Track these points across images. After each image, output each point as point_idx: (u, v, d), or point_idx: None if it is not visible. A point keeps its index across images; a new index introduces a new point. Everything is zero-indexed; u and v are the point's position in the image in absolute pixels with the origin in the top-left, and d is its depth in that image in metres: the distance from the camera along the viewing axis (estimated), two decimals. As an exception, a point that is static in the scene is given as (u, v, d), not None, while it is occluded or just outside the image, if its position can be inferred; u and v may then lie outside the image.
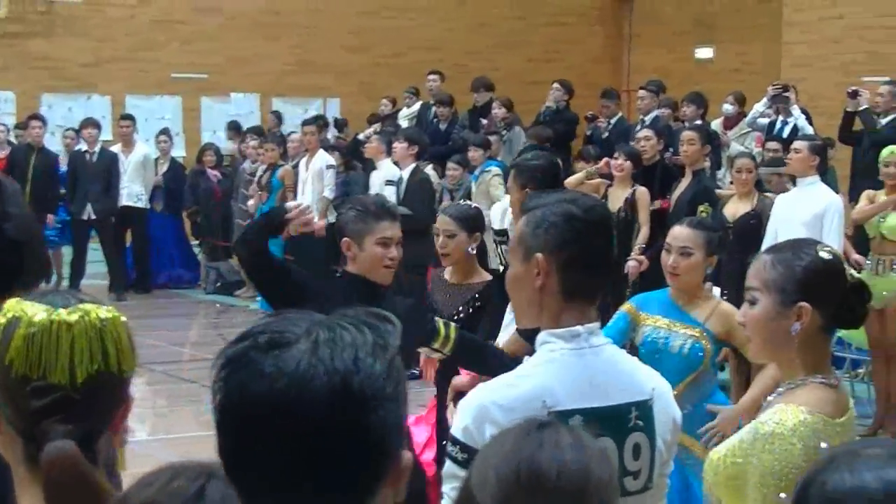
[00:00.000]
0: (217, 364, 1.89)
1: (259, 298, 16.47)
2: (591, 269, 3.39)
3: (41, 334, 2.23)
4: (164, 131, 19.31)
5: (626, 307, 6.77)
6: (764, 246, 10.28)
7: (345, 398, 1.83)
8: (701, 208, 11.47)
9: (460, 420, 3.31)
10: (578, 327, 3.37)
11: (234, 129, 19.94)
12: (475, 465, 2.06)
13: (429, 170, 15.27)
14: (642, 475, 3.40)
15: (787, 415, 3.34)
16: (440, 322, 6.00)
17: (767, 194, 11.70)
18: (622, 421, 3.37)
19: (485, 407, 3.28)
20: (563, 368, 3.34)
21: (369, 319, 1.91)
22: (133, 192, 17.86)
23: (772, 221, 10.98)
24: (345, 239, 5.75)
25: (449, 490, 3.29)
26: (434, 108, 17.89)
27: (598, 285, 3.44)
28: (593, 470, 1.97)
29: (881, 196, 11.15)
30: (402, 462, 1.91)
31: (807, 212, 10.74)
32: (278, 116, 20.24)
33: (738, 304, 3.68)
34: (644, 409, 3.41)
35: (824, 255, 3.46)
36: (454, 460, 3.28)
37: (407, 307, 5.87)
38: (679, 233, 6.67)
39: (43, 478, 2.14)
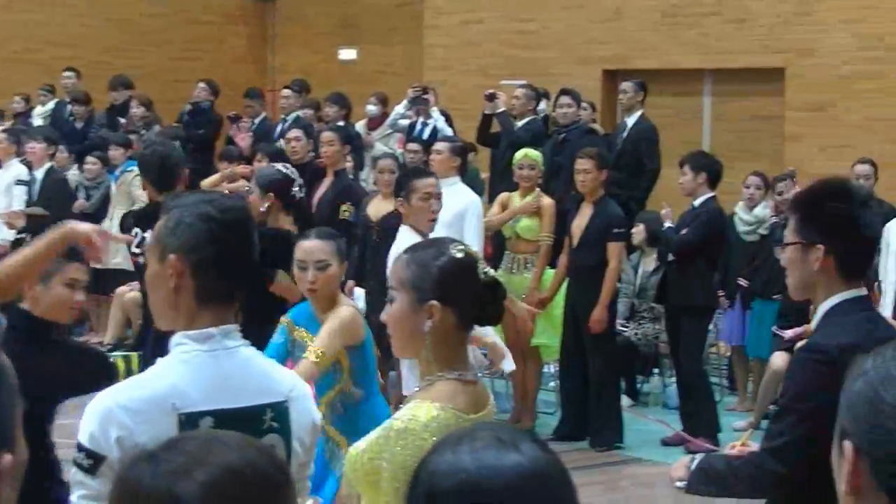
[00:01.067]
0: None
1: None
2: (226, 272, 3.36)
3: None
4: None
5: (284, 319, 6.73)
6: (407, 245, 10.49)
7: None
8: (343, 207, 11.61)
9: (86, 425, 3.23)
10: (212, 329, 3.34)
11: None
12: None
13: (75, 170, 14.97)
14: None
15: (421, 411, 3.40)
16: (118, 357, 5.95)
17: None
18: (256, 422, 3.34)
19: (110, 410, 3.21)
20: (195, 370, 3.31)
21: None
22: None
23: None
24: None
25: (77, 499, 3.22)
26: (70, 107, 17.50)
27: (235, 288, 3.41)
28: (260, 473, 2.00)
29: (515, 198, 11.53)
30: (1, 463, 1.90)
31: (448, 212, 10.99)
32: None
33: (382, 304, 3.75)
34: (279, 410, 3.41)
35: (457, 254, 3.52)
36: (80, 467, 3.21)
37: (74, 349, 5.78)
38: (311, 247, 6.50)
39: None
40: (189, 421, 3.23)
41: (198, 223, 3.34)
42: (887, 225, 9.53)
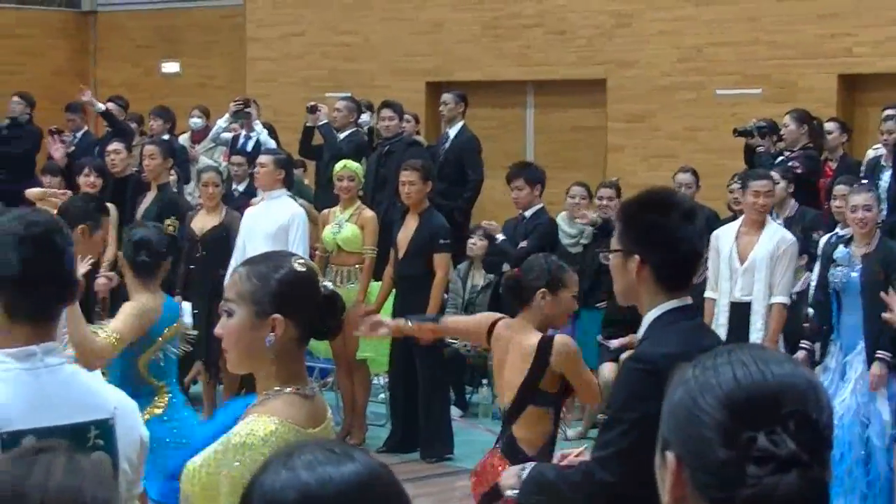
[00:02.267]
0: None
1: None
2: (31, 288, 3.31)
3: None
4: None
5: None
6: (234, 258, 10.48)
7: None
8: (168, 222, 11.51)
9: None
10: (34, 346, 3.30)
11: None
12: None
13: None
14: None
15: (259, 425, 3.38)
16: None
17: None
18: (81, 440, 3.30)
19: None
20: (15, 388, 3.27)
21: None
22: None
23: (240, 234, 11.18)
24: None
25: None
26: None
27: (47, 303, 3.35)
28: (86, 491, 1.98)
29: (336, 212, 11.50)
30: None
31: (273, 224, 10.99)
32: None
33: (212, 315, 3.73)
34: (104, 428, 3.38)
35: (299, 267, 3.51)
36: None
37: None
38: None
39: None
40: (11, 440, 3.18)
41: (3, 239, 3.31)
42: (714, 233, 9.73)
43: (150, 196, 11.89)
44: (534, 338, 6.39)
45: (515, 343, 6.46)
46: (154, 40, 23.00)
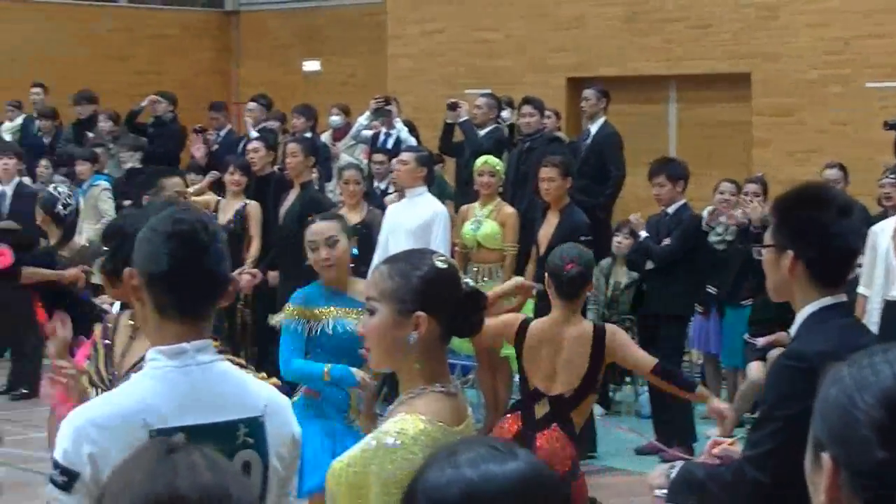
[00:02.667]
0: None
1: None
2: (179, 285, 3.32)
3: None
4: None
5: (290, 309, 7.00)
6: (376, 255, 10.48)
7: None
8: (310, 218, 11.57)
9: (60, 442, 3.23)
10: (185, 344, 3.31)
11: None
12: (105, 500, 1.97)
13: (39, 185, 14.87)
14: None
15: (408, 424, 3.35)
16: None
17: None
18: (230, 438, 3.31)
19: (81, 427, 3.21)
20: (166, 385, 3.29)
21: None
22: None
23: (382, 231, 11.19)
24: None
25: None
26: (37, 122, 17.44)
27: (196, 301, 3.35)
28: (233, 490, 1.96)
29: (475, 208, 11.45)
30: None
31: (414, 222, 10.98)
32: None
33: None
34: (254, 425, 3.37)
35: (440, 264, 3.48)
36: (55, 484, 3.21)
37: None
38: (319, 227, 7.08)
39: None
40: (161, 437, 3.17)
41: (151, 237, 3.33)
42: (872, 228, 9.40)
43: (292, 194, 11.96)
44: (587, 326, 7.13)
45: (569, 335, 6.99)
46: (295, 39, 23.24)
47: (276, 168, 12.83)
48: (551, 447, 6.84)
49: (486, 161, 11.59)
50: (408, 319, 3.42)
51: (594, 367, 6.97)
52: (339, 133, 16.38)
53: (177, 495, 1.90)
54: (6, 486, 8.57)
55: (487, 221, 11.33)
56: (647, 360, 7.07)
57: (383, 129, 15.11)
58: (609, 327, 7.24)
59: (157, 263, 3.30)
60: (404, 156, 11.57)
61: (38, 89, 18.10)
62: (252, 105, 16.34)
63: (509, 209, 11.51)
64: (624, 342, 7.11)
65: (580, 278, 6.99)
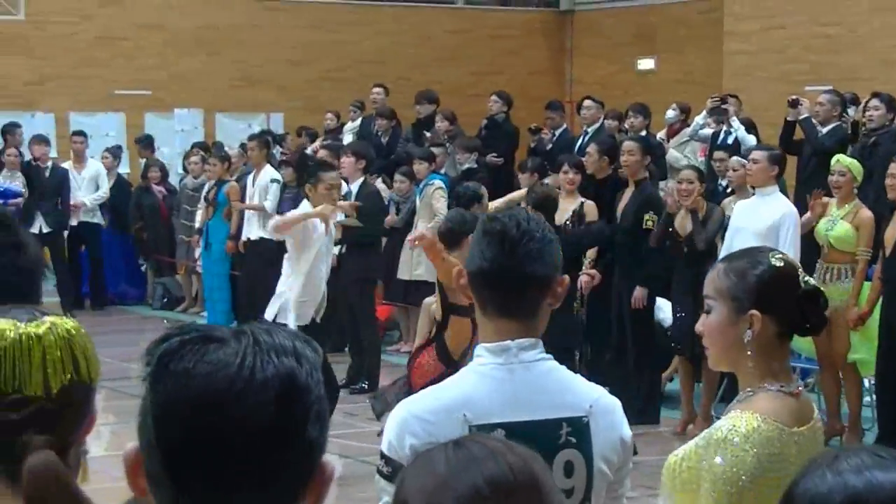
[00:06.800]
0: (149, 358, 1.87)
1: (206, 313, 16.45)
2: (492, 283, 3.35)
3: (11, 349, 2.23)
4: (114, 148, 19.21)
5: None
6: (721, 254, 10.30)
7: (290, 396, 1.84)
8: (646, 217, 11.53)
9: (386, 434, 3.32)
10: (509, 342, 3.34)
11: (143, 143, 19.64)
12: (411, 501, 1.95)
13: (379, 183, 15.28)
14: (576, 494, 3.33)
15: (741, 421, 3.33)
16: None
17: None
18: (551, 436, 3.31)
19: (405, 420, 3.30)
20: (488, 381, 3.33)
21: (299, 336, 1.93)
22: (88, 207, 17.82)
23: (728, 231, 10.99)
24: None
25: None
26: (376, 122, 17.88)
27: (511, 299, 3.36)
28: (535, 464, 1.97)
29: (832, 207, 11.12)
30: (327, 472, 1.92)
31: (762, 223, 10.72)
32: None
33: (692, 314, 3.67)
34: (577, 425, 3.36)
35: (777, 262, 3.44)
36: (381, 474, 3.30)
37: None
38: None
39: (25, 490, 2.14)
40: (480, 432, 3.20)
41: (475, 236, 3.41)
42: None
43: (627, 193, 11.93)
44: None
45: None
46: (630, 37, 23.21)
47: (612, 168, 12.84)
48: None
49: (838, 160, 11.27)
50: (743, 318, 3.40)
51: None
52: (673, 130, 16.29)
53: (494, 476, 1.89)
54: (347, 479, 8.86)
55: (842, 223, 10.97)
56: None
57: (724, 128, 14.94)
58: None
59: (473, 262, 3.38)
60: (755, 154, 11.32)
61: (379, 90, 18.59)
62: (588, 103, 16.40)
63: (866, 213, 11.05)
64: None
65: None
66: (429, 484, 1.89)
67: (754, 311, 3.38)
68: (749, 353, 3.40)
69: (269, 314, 10.10)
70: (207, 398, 1.82)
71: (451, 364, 7.99)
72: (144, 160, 19.13)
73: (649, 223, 11.50)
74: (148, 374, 1.87)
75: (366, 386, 12.72)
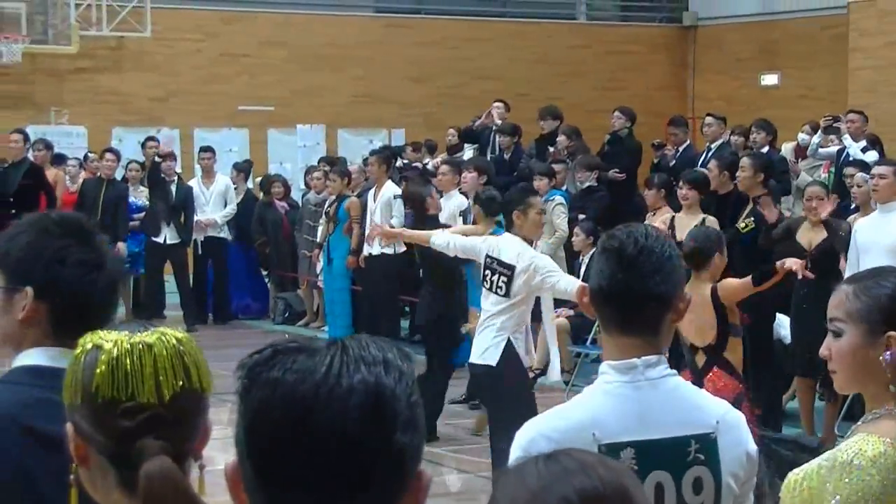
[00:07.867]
0: (242, 370, 1.92)
1: (327, 328, 16.55)
2: (610, 300, 3.36)
3: (124, 357, 2.28)
4: (242, 164, 19.44)
5: None
6: (847, 273, 10.06)
7: (376, 403, 1.87)
8: (745, 222, 11.48)
9: (513, 451, 3.30)
10: (635, 360, 3.33)
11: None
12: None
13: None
14: None
15: (868, 445, 3.26)
16: None
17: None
18: (680, 454, 3.31)
19: (533, 438, 3.29)
20: (616, 400, 3.33)
21: (392, 346, 1.95)
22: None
23: (852, 249, 10.75)
24: None
25: None
26: (497, 138, 17.86)
27: (632, 316, 3.36)
28: (626, 478, 1.96)
29: None
30: (424, 480, 1.93)
31: (890, 238, 10.46)
32: None
33: (819, 332, 3.60)
34: (706, 442, 3.35)
35: (909, 281, 3.38)
36: None
37: None
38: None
39: (142, 493, 2.17)
40: (610, 452, 3.23)
41: (597, 253, 3.45)
42: None
43: (746, 209, 11.83)
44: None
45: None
46: (754, 52, 23.04)
47: (734, 183, 12.74)
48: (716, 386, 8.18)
49: None
50: (878, 340, 3.30)
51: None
52: (803, 150, 16.09)
53: (585, 488, 1.88)
54: (465, 494, 8.87)
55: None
56: (745, 281, 8.59)
57: (846, 145, 14.79)
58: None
59: (593, 279, 3.39)
60: (881, 169, 11.11)
61: (499, 105, 18.59)
62: (709, 120, 16.28)
63: None
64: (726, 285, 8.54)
65: None
66: (520, 496, 1.89)
67: (892, 333, 3.30)
68: (885, 375, 3.31)
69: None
70: (293, 405, 1.86)
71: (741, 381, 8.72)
72: (261, 177, 19.29)
73: (746, 227, 11.46)
74: (240, 386, 1.92)
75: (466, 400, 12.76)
